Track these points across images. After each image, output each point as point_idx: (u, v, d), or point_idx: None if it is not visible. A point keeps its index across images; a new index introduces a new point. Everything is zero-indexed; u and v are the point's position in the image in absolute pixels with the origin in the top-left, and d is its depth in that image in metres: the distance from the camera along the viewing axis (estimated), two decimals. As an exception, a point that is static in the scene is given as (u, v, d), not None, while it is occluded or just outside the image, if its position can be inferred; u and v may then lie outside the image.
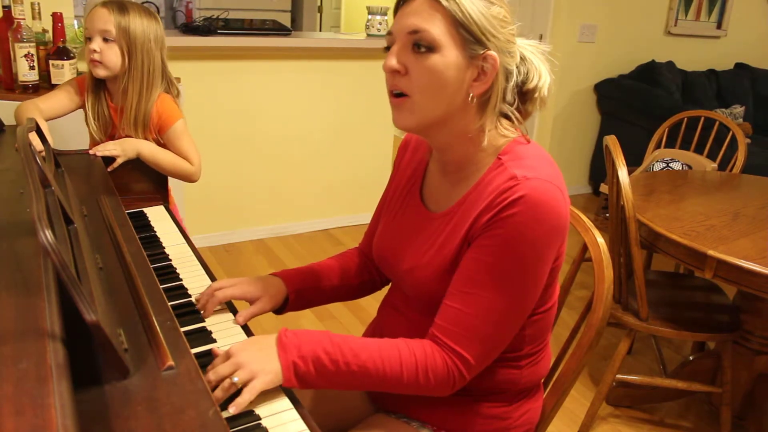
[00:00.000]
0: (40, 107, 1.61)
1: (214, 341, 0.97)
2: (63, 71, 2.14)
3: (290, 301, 1.09)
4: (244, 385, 0.81)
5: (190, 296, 1.09)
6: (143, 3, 1.71)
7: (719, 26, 4.67)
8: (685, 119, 2.78)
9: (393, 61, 0.86)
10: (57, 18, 2.20)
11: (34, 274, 0.72)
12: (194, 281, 1.15)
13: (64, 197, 0.94)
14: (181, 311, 1.03)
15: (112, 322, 0.78)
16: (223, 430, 0.65)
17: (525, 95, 0.93)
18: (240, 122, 3.01)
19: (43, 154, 1.24)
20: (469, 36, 0.84)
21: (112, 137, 1.66)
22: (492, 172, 0.89)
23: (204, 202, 3.00)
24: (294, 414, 0.82)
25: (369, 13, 3.31)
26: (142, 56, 1.58)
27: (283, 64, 3.04)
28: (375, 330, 1.14)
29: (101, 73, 1.58)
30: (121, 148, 1.56)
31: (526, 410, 1.03)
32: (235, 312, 1.05)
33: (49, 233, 0.60)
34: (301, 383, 0.85)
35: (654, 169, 2.75)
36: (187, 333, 0.96)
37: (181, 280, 1.15)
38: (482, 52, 0.85)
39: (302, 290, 1.10)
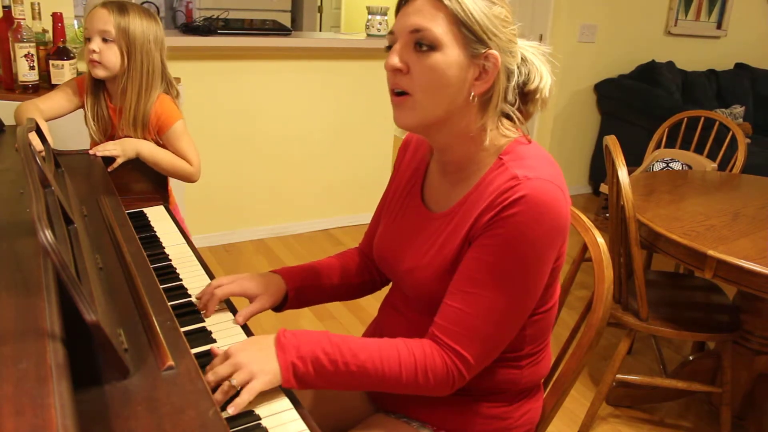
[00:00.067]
0: (40, 107, 1.61)
1: (214, 341, 0.97)
2: (63, 71, 2.14)
3: (290, 298, 1.09)
4: (244, 385, 0.81)
5: (190, 296, 1.09)
6: (143, 3, 1.71)
7: (719, 26, 4.67)
8: (685, 119, 2.78)
9: (395, 60, 0.86)
10: (57, 18, 2.20)
11: (34, 274, 0.72)
12: (194, 281, 1.15)
13: (64, 197, 0.94)
14: (181, 311, 1.03)
15: (112, 322, 0.78)
16: (223, 430, 0.65)
17: (526, 96, 0.93)
18: (240, 122, 3.01)
19: (43, 154, 1.24)
20: (471, 35, 0.84)
21: (111, 138, 1.65)
22: (493, 172, 0.90)
23: (204, 202, 3.00)
24: (294, 414, 0.82)
25: (369, 13, 3.31)
26: (142, 57, 1.58)
27: (283, 64, 3.04)
28: (375, 330, 1.14)
29: (100, 73, 1.58)
30: (120, 148, 1.56)
31: (526, 410, 1.03)
32: (234, 312, 1.05)
33: (49, 233, 0.60)
34: (300, 384, 0.84)
35: (654, 169, 2.76)
36: (187, 333, 0.96)
37: (181, 280, 1.15)
38: (484, 51, 0.85)
39: (302, 288, 1.10)
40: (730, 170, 2.59)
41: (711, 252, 1.57)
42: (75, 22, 2.44)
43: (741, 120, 4.16)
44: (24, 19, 2.08)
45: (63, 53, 2.14)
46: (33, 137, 1.21)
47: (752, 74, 4.58)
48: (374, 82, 3.28)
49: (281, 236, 3.29)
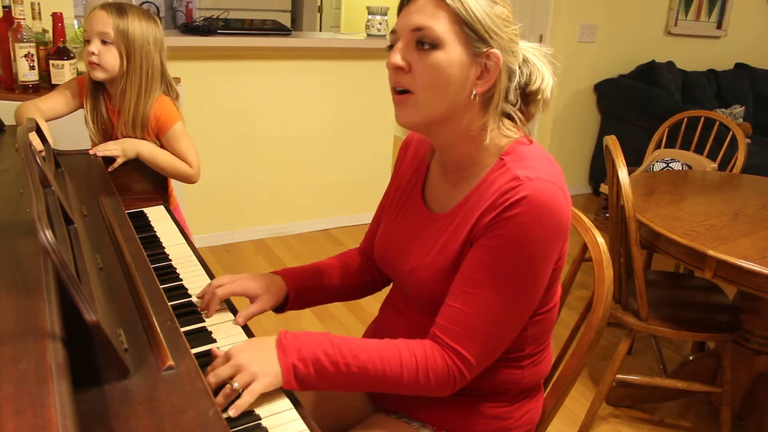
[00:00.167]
0: (40, 107, 1.61)
1: (214, 341, 0.96)
2: (63, 71, 2.14)
3: (290, 299, 1.09)
4: (245, 387, 0.81)
5: (190, 296, 1.09)
6: (143, 4, 1.71)
7: (719, 26, 4.67)
8: (685, 119, 2.78)
9: (397, 58, 0.86)
10: (57, 18, 2.20)
11: (34, 274, 0.72)
12: (194, 281, 1.15)
13: (64, 197, 0.94)
14: (181, 311, 1.03)
15: (112, 322, 0.78)
16: (223, 430, 0.65)
17: (528, 97, 0.93)
18: (240, 122, 3.01)
19: (43, 154, 1.24)
20: (473, 34, 0.84)
21: (111, 139, 1.65)
22: (494, 172, 0.90)
23: (204, 202, 3.00)
24: (294, 414, 0.82)
25: (369, 13, 3.31)
26: (141, 59, 1.57)
27: (283, 64, 3.04)
28: (375, 330, 1.14)
29: (99, 75, 1.57)
30: (120, 148, 1.56)
31: (527, 410, 1.03)
32: (235, 312, 1.05)
33: (49, 233, 0.59)
34: (301, 385, 0.84)
35: (654, 169, 2.76)
36: (187, 333, 0.95)
37: (181, 280, 1.15)
38: (485, 50, 0.85)
39: (303, 289, 1.10)
40: (730, 170, 2.59)
41: (711, 252, 1.57)
42: (75, 22, 2.44)
43: (741, 120, 4.16)
44: (24, 19, 2.08)
45: (63, 53, 2.14)
46: (33, 137, 1.21)
47: (752, 74, 4.58)
48: (374, 82, 3.28)
49: (281, 236, 3.29)
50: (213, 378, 0.82)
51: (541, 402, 1.08)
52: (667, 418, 2.06)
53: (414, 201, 1.03)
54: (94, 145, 1.67)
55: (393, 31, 0.89)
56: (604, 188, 3.11)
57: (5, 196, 1.02)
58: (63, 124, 1.72)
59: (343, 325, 2.47)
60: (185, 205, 2.49)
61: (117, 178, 1.51)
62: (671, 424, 2.02)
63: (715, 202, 2.00)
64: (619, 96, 4.09)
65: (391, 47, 0.88)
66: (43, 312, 0.64)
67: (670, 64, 4.22)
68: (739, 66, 4.67)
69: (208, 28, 2.80)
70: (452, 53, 0.84)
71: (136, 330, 0.81)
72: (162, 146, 1.66)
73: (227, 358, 0.84)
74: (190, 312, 1.04)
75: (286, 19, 5.06)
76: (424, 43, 0.84)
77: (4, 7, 2.13)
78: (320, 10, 5.98)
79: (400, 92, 0.88)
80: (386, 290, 1.17)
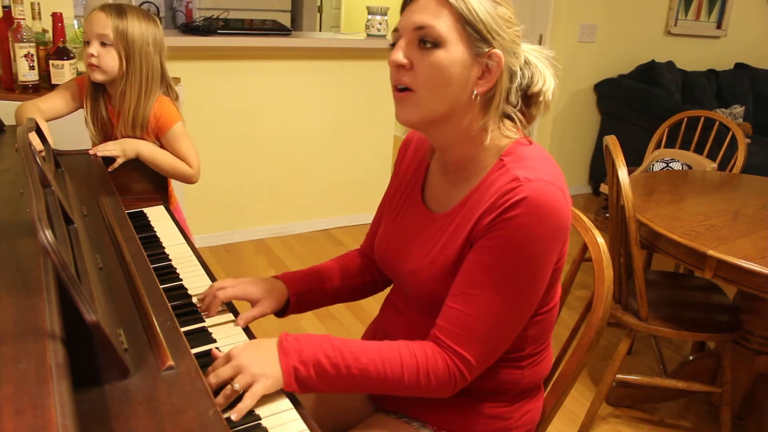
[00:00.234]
0: (40, 107, 1.61)
1: (214, 341, 0.96)
2: (63, 71, 2.14)
3: (291, 303, 1.09)
4: (246, 388, 0.81)
5: (190, 296, 1.09)
6: (143, 4, 1.71)
7: (719, 26, 4.67)
8: (685, 119, 2.78)
9: (399, 56, 0.86)
10: (57, 18, 2.20)
11: (34, 274, 0.72)
12: (194, 281, 1.15)
13: (64, 197, 0.94)
14: (181, 311, 1.03)
15: (112, 322, 0.78)
16: (223, 431, 0.65)
17: (530, 99, 0.93)
18: (240, 122, 3.01)
19: (43, 154, 1.24)
20: (475, 33, 0.84)
21: (110, 139, 1.65)
22: (494, 173, 0.90)
23: (204, 202, 3.00)
24: (294, 414, 0.82)
25: (369, 13, 3.31)
26: (141, 60, 1.57)
27: (283, 64, 3.04)
28: (375, 330, 1.14)
29: (99, 77, 1.57)
30: (120, 148, 1.56)
31: (527, 410, 1.03)
32: (236, 313, 1.05)
33: (49, 233, 0.59)
34: (301, 388, 0.84)
35: (654, 169, 2.75)
36: (187, 333, 0.95)
37: (181, 280, 1.15)
38: (487, 50, 0.85)
39: (304, 293, 1.10)
40: (730, 170, 2.59)
41: (711, 252, 1.57)
42: (75, 22, 2.44)
43: (741, 120, 4.16)
44: (24, 19, 2.08)
45: (63, 53, 2.14)
46: (33, 137, 1.21)
47: (752, 74, 4.58)
48: (374, 82, 3.28)
49: (281, 236, 3.29)
50: (214, 378, 0.82)
51: (541, 402, 1.08)
52: (667, 418, 2.06)
53: (414, 201, 1.03)
54: (94, 145, 1.67)
55: (395, 30, 0.89)
56: (604, 188, 3.12)
57: (5, 196, 1.02)
58: (63, 124, 1.72)
59: (343, 326, 2.47)
60: (185, 205, 2.49)
61: (117, 178, 1.51)
62: (671, 424, 2.02)
63: (715, 202, 2.00)
64: (619, 96, 4.09)
65: (393, 45, 0.88)
66: (43, 312, 0.64)
67: (670, 64, 4.22)
68: (739, 66, 4.67)
69: (208, 28, 2.80)
70: (454, 52, 0.84)
71: (136, 330, 0.81)
72: (162, 146, 1.66)
73: (228, 359, 0.84)
74: (190, 312, 1.04)
75: (286, 19, 5.06)
76: (427, 41, 0.84)
77: (4, 7, 2.13)
78: (320, 10, 5.98)
79: (401, 90, 0.88)
80: (386, 290, 1.17)
